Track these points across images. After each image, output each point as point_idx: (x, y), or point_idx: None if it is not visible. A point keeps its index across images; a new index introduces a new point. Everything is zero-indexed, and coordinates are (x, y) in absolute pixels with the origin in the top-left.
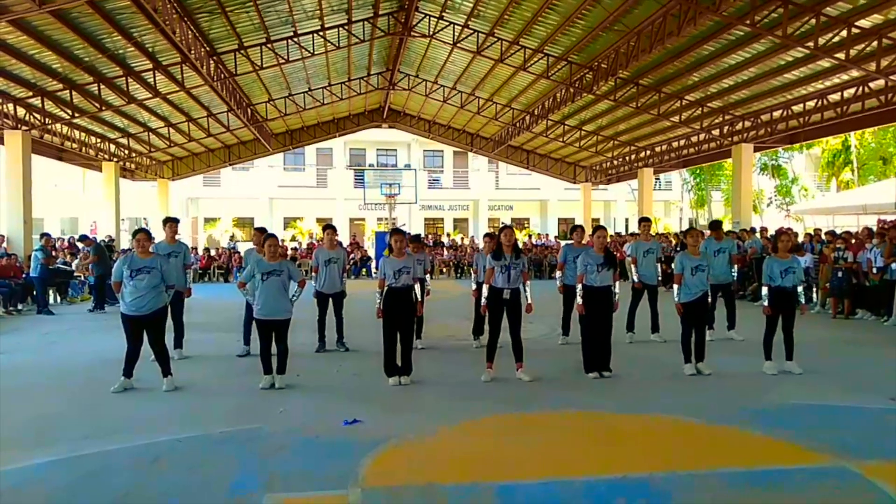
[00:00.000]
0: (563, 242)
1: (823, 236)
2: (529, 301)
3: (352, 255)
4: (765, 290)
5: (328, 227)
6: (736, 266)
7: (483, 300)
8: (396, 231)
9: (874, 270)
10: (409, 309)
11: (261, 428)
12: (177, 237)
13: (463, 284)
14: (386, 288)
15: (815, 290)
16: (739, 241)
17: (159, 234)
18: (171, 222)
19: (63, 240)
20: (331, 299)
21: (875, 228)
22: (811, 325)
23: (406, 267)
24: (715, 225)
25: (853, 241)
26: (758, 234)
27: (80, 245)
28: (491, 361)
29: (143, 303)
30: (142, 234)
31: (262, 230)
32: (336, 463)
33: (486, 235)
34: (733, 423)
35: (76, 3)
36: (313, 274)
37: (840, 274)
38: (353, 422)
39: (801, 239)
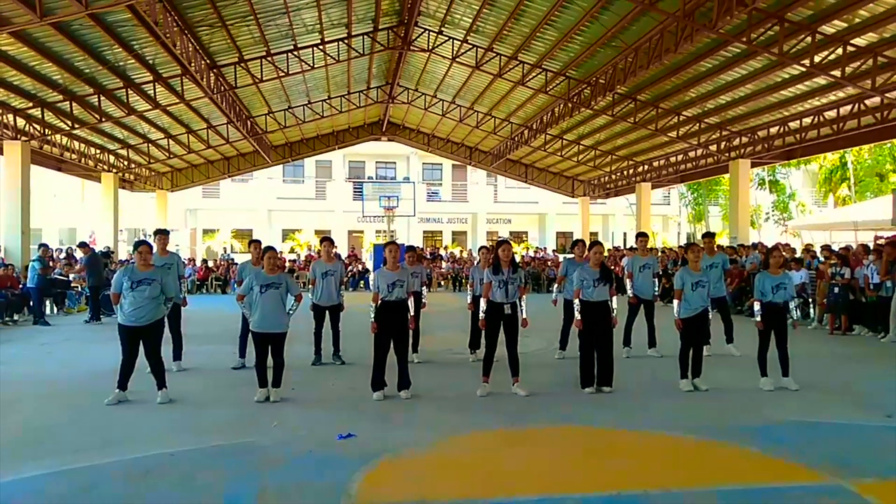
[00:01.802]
0: (561, 256)
1: (820, 255)
2: (524, 316)
3: (350, 268)
4: (757, 306)
5: (325, 240)
6: (729, 280)
7: (481, 314)
8: (391, 243)
9: (871, 286)
10: (403, 322)
11: (255, 441)
12: (169, 249)
13: (461, 297)
14: (379, 301)
15: (812, 305)
16: (737, 256)
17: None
18: (160, 234)
19: (61, 250)
20: (327, 312)
21: (871, 245)
22: (808, 341)
23: (400, 280)
24: (709, 234)
25: (851, 256)
26: (756, 251)
27: (77, 255)
28: (487, 376)
29: (142, 314)
30: (144, 247)
31: (257, 242)
32: (329, 477)
33: (483, 248)
34: (730, 439)
35: (77, 16)
36: (310, 286)
37: (837, 290)
38: (348, 436)
39: (798, 254)
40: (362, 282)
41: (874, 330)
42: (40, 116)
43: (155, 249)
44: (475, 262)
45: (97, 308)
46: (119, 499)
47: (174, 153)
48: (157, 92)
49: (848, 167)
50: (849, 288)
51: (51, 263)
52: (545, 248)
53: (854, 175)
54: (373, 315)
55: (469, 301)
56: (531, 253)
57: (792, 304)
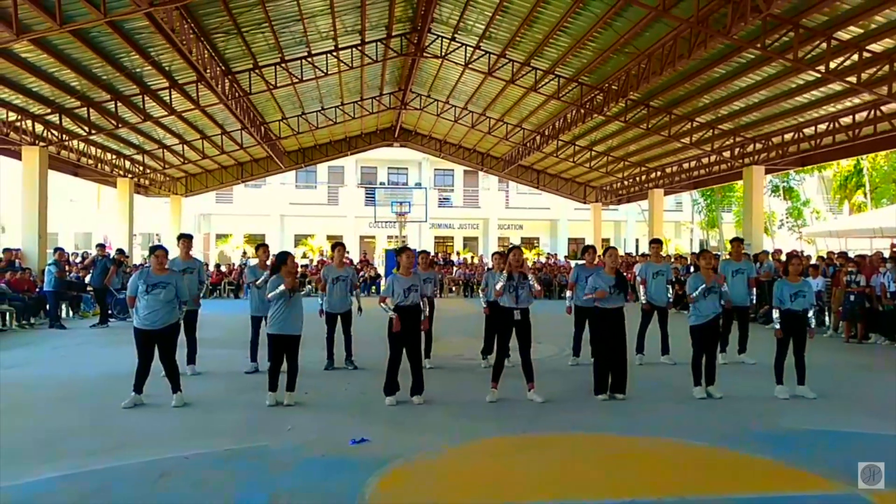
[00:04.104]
0: (572, 262)
1: (836, 260)
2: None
3: (362, 273)
4: (776, 314)
5: (338, 246)
6: (754, 289)
7: (483, 303)
8: (406, 248)
9: (888, 295)
10: (417, 327)
11: (268, 445)
12: (190, 253)
13: (472, 303)
14: (394, 305)
15: (827, 313)
16: (759, 263)
17: (172, 250)
18: (184, 239)
19: (76, 254)
20: (339, 318)
21: (888, 253)
22: (824, 350)
23: (415, 285)
24: (737, 239)
25: (866, 263)
26: (770, 258)
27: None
28: (496, 382)
29: (157, 317)
30: (161, 251)
31: (265, 247)
32: (342, 482)
33: (496, 254)
34: (745, 447)
35: (96, 23)
36: (321, 292)
37: (853, 298)
38: (361, 441)
39: (813, 261)
40: (374, 287)
41: (891, 338)
42: (58, 122)
43: (179, 254)
44: (487, 268)
45: (104, 312)
46: (134, 501)
47: (189, 159)
48: (172, 98)
49: (863, 174)
50: (865, 296)
51: (67, 267)
52: (556, 255)
53: (870, 182)
54: (391, 313)
55: (484, 306)
56: (542, 259)
57: (810, 313)
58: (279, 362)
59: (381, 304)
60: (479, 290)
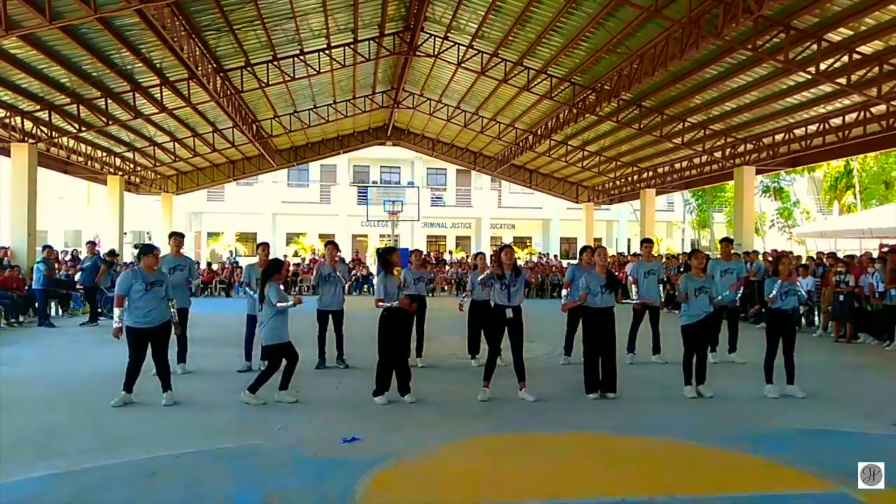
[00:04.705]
0: (564, 262)
1: (825, 260)
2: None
3: (353, 272)
4: (774, 292)
5: (330, 244)
6: (741, 289)
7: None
8: (394, 249)
9: (876, 295)
10: (408, 326)
11: (260, 444)
12: (181, 251)
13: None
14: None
15: (817, 313)
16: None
17: (163, 249)
18: (176, 236)
19: (66, 252)
20: (330, 316)
21: (877, 253)
22: (813, 349)
23: (405, 284)
24: (726, 239)
25: (856, 264)
26: (760, 257)
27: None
28: (488, 381)
29: (156, 315)
30: (158, 250)
31: (266, 245)
32: (334, 481)
33: (480, 254)
34: (735, 446)
35: (86, 20)
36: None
37: (842, 298)
38: (352, 440)
39: (803, 261)
40: (366, 286)
41: (879, 338)
42: (47, 119)
43: (169, 251)
44: (475, 268)
45: (94, 310)
46: (125, 500)
47: (180, 156)
48: (163, 95)
49: (853, 175)
50: (854, 296)
51: (56, 265)
52: (549, 254)
53: (859, 182)
54: (395, 303)
55: (460, 302)
56: (535, 258)
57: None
58: (277, 369)
59: (375, 306)
60: (467, 292)
